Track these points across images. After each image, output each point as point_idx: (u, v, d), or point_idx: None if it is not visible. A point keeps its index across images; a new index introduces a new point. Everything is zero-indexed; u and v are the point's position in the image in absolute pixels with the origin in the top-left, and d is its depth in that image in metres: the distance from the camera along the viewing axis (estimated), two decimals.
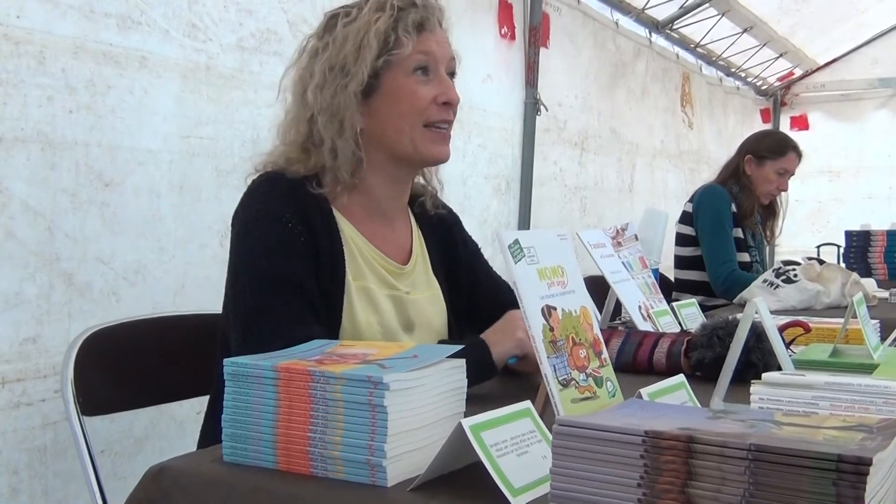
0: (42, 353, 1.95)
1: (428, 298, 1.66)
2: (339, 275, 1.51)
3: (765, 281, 2.96)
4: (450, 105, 1.56)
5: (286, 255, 1.46)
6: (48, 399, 1.96)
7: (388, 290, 1.59)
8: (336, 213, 1.55)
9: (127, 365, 1.69)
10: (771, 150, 3.60)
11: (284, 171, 1.55)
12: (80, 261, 2.02)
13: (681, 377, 1.19)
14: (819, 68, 7.62)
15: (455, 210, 1.82)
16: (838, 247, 5.48)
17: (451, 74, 1.61)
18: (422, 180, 1.73)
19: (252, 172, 1.58)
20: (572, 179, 4.65)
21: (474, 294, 1.76)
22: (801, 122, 7.78)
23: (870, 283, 3.48)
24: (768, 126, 7.53)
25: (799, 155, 3.63)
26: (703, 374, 1.57)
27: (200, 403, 1.86)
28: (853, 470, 0.71)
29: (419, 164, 1.62)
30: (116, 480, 2.00)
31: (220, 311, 1.55)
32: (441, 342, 1.57)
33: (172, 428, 2.24)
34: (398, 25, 1.52)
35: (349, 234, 1.56)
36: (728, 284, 3.37)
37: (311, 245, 1.48)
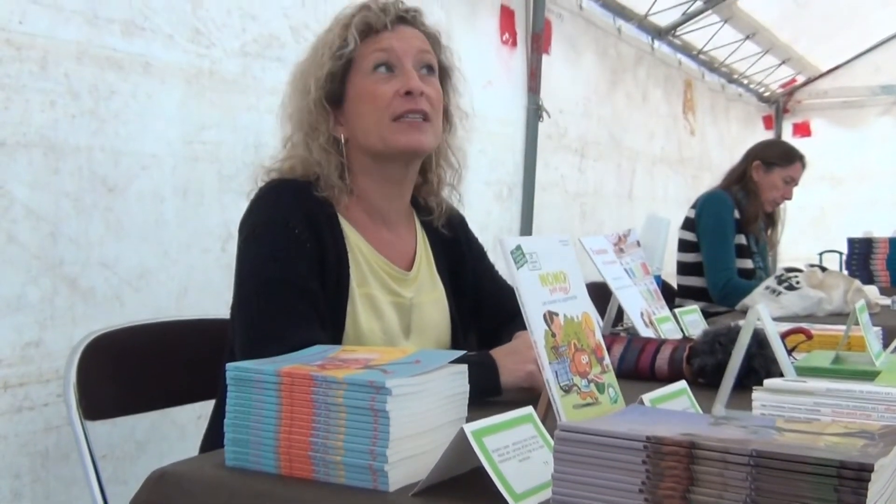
0: (45, 357, 1.95)
1: (432, 302, 1.66)
2: (343, 281, 1.52)
3: (767, 288, 2.97)
4: (412, 94, 1.53)
5: (292, 260, 1.46)
6: (50, 403, 1.96)
7: (392, 296, 1.59)
8: (341, 220, 1.56)
9: (129, 369, 1.70)
10: (780, 158, 3.67)
11: (288, 176, 1.56)
12: (83, 265, 2.02)
13: (683, 383, 1.19)
14: (822, 75, 7.62)
15: None
16: (840, 254, 5.46)
17: (429, 68, 1.60)
18: (428, 187, 1.72)
19: (258, 179, 1.59)
20: (573, 186, 4.65)
21: (478, 297, 1.75)
22: (803, 129, 7.78)
23: (872, 291, 3.47)
24: (770, 133, 7.55)
25: (804, 165, 3.72)
26: (705, 380, 1.57)
27: (202, 408, 1.86)
28: (855, 476, 0.71)
29: (394, 156, 1.57)
30: (118, 485, 2.00)
31: (223, 316, 1.56)
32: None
33: (174, 432, 2.24)
34: (347, 32, 1.55)
35: (354, 240, 1.56)
36: (726, 292, 3.39)
37: (316, 251, 1.49)
